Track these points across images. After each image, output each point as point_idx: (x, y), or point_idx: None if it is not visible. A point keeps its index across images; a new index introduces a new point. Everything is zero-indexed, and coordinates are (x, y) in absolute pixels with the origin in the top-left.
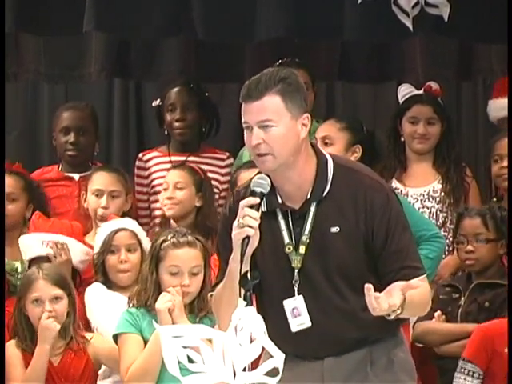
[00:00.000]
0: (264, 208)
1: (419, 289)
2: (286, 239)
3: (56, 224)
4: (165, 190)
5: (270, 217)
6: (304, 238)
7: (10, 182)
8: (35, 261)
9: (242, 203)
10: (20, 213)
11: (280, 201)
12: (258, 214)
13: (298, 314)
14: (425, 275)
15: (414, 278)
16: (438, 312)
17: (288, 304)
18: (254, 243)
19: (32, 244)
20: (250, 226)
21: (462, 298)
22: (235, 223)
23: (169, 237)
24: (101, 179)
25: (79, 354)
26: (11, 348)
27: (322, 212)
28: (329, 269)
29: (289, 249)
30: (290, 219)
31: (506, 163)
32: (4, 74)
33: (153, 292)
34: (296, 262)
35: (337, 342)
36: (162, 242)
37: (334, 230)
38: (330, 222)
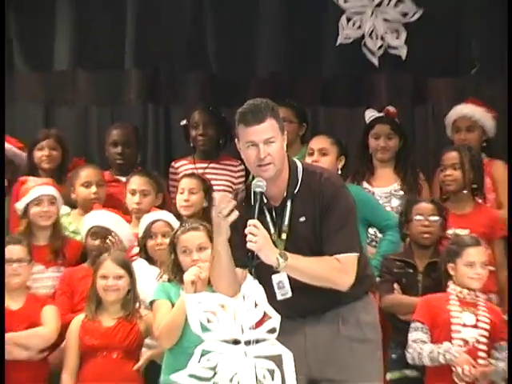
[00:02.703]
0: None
1: (315, 261)
2: (272, 229)
3: (114, 211)
4: (181, 193)
5: (260, 213)
6: (284, 227)
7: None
8: (94, 232)
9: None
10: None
11: (265, 200)
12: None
13: (282, 286)
14: (339, 256)
15: (326, 254)
16: (397, 286)
17: (275, 278)
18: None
19: (95, 217)
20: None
21: (420, 275)
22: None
23: (180, 227)
24: (135, 181)
25: (130, 324)
26: (76, 321)
27: (295, 206)
28: (302, 250)
29: (274, 236)
30: (273, 214)
31: (448, 172)
32: (4, 71)
33: (172, 269)
34: (280, 247)
35: (314, 305)
36: (175, 232)
37: (302, 219)
38: (299, 213)
